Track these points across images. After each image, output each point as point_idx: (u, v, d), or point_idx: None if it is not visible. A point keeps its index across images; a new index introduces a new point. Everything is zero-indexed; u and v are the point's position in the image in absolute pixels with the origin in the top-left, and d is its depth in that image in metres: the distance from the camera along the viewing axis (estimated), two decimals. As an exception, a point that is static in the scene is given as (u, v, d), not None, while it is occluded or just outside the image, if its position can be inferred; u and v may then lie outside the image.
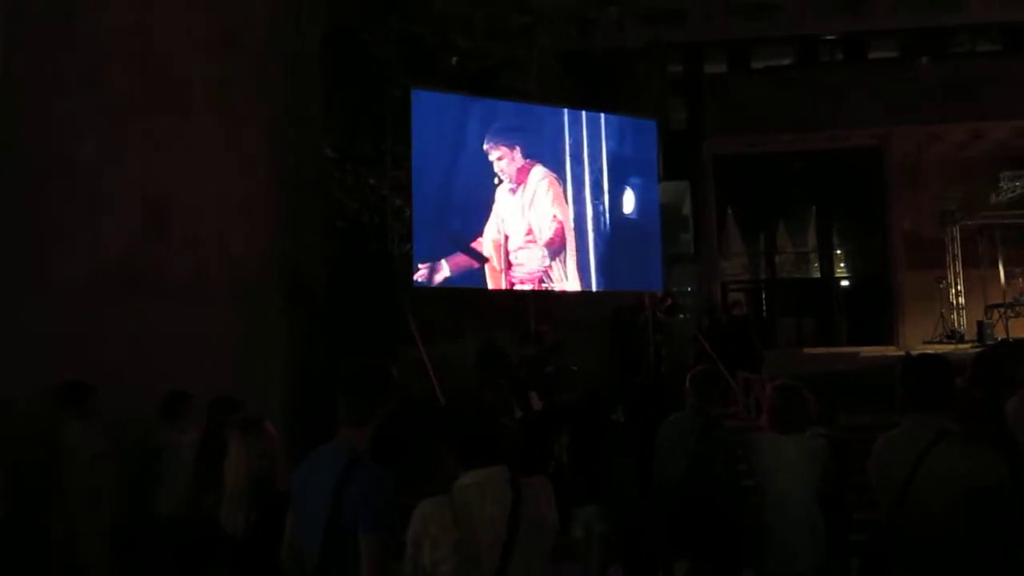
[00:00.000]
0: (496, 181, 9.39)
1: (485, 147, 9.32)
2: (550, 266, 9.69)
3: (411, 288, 8.82)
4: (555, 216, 9.72)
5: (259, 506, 2.78)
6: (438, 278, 8.98)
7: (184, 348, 6.63)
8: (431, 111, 9.16)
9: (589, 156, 10.08)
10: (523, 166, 9.60)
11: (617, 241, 10.21)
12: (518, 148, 9.55)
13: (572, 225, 9.90)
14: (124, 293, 6.24)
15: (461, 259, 9.14)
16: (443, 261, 9.01)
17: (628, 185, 10.38)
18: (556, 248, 9.74)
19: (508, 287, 9.42)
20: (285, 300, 8.39)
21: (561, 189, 9.80)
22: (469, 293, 9.52)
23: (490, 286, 9.28)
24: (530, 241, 9.61)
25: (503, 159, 9.45)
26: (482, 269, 9.21)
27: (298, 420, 7.17)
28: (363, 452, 2.58)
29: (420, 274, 8.81)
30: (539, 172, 9.71)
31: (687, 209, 14.81)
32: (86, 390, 5.21)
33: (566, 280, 9.79)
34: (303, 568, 2.52)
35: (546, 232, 9.69)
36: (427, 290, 9.03)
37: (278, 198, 8.48)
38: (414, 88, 9.00)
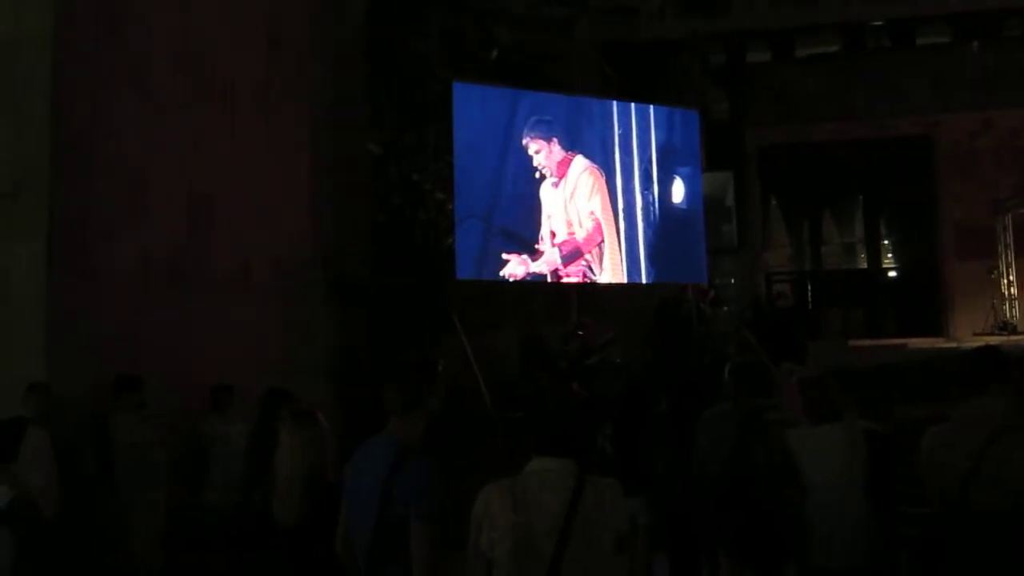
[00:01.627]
0: (538, 176, 9.41)
1: (524, 141, 9.34)
2: (591, 259, 9.69)
3: (454, 281, 8.86)
4: (592, 212, 9.71)
5: (311, 497, 2.82)
6: (486, 273, 9.02)
7: (230, 341, 6.76)
8: (473, 104, 9.19)
9: (638, 146, 10.05)
10: (563, 158, 9.61)
11: (665, 231, 10.19)
12: (555, 140, 9.56)
13: (620, 216, 9.89)
14: (170, 288, 6.37)
15: (511, 250, 9.18)
16: (493, 256, 9.07)
17: (676, 175, 10.34)
18: (595, 242, 9.73)
19: (556, 278, 9.44)
20: (329, 294, 8.48)
21: (603, 180, 9.78)
22: (513, 286, 9.55)
23: (545, 274, 9.31)
24: (572, 235, 9.62)
25: (540, 152, 9.47)
26: (531, 263, 9.25)
27: (344, 412, 7.25)
28: (413, 443, 2.62)
29: (463, 268, 8.86)
30: (580, 164, 9.70)
31: (730, 200, 14.67)
32: (135, 383, 5.32)
33: (606, 272, 9.78)
34: (355, 557, 2.57)
35: (586, 225, 9.69)
36: (471, 283, 9.07)
37: (321, 193, 8.57)
38: (455, 81, 9.03)
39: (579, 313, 9.80)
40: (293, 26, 8.27)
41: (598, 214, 9.75)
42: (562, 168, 9.61)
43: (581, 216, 9.67)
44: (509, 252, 9.18)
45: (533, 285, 9.66)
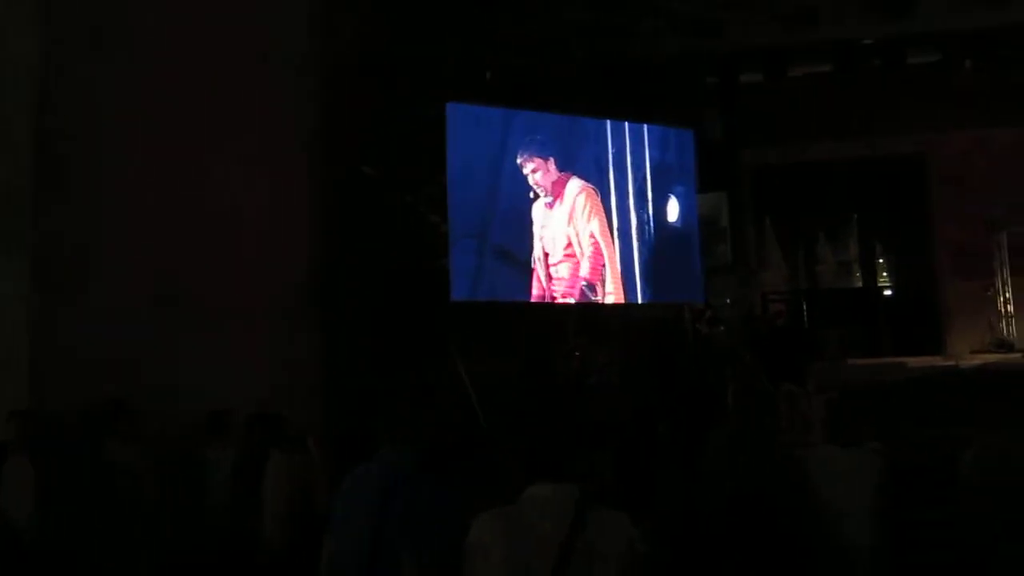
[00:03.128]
0: (532, 195, 9.34)
1: (519, 160, 9.28)
2: (590, 280, 9.60)
3: (448, 304, 8.76)
4: (592, 233, 9.64)
5: (297, 525, 2.71)
6: (480, 293, 8.93)
7: (220, 366, 6.63)
8: (467, 125, 9.15)
9: (633, 165, 10.01)
10: (559, 179, 9.56)
11: (660, 251, 10.13)
12: (552, 160, 9.51)
13: (616, 235, 9.82)
14: (159, 312, 6.26)
15: (506, 275, 9.10)
16: (487, 277, 8.99)
17: (671, 194, 10.30)
18: (595, 263, 9.66)
19: (550, 301, 9.35)
20: (321, 317, 8.36)
21: (599, 200, 9.72)
22: (508, 308, 9.45)
23: (539, 295, 9.23)
24: (569, 255, 9.54)
25: (537, 171, 9.42)
26: (526, 283, 9.16)
27: (336, 438, 7.10)
28: (406, 470, 2.50)
29: (458, 289, 8.76)
30: (576, 185, 9.65)
31: (725, 221, 14.64)
32: (127, 408, 5.20)
33: (606, 294, 9.69)
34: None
35: (586, 247, 9.62)
36: (466, 305, 8.97)
37: (314, 216, 8.48)
38: (448, 102, 8.98)
39: (576, 334, 9.70)
40: (285, 46, 8.21)
41: (597, 236, 9.68)
42: (558, 188, 9.55)
43: (581, 238, 9.60)
44: (504, 272, 9.09)
45: (530, 307, 9.56)
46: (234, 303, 7.13)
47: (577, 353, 8.98)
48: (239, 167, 7.38)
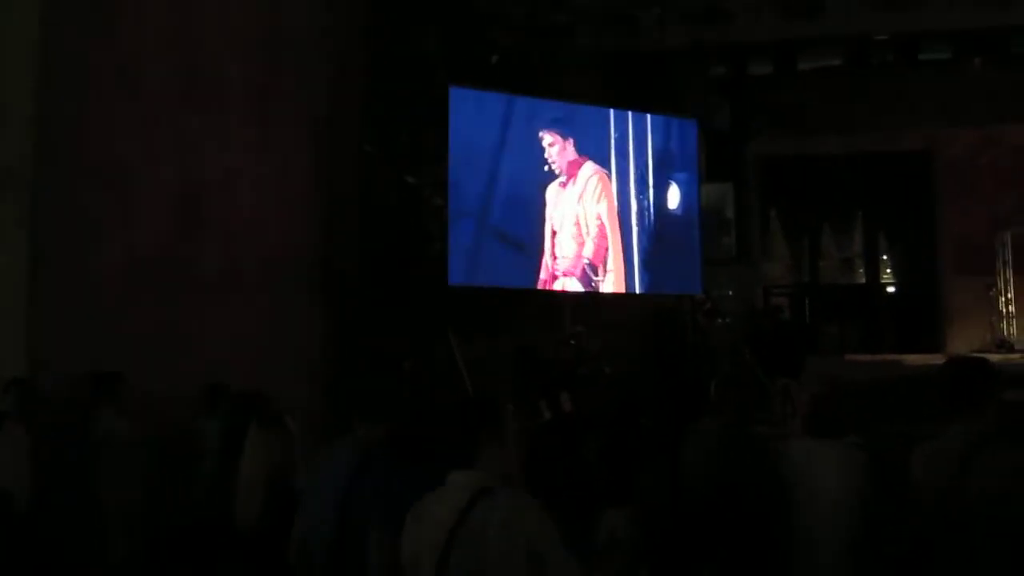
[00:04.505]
0: (546, 169, 9.41)
1: (539, 133, 9.37)
2: (593, 261, 9.66)
3: (446, 286, 8.80)
4: (599, 214, 9.70)
5: (271, 501, 2.76)
6: (479, 277, 8.98)
7: (218, 341, 6.70)
8: (470, 108, 9.16)
9: (634, 151, 10.04)
10: (575, 159, 9.63)
11: (660, 239, 10.15)
12: (571, 140, 9.59)
13: (617, 222, 9.87)
14: (160, 288, 6.32)
15: (504, 256, 9.15)
16: (485, 258, 9.04)
17: (672, 180, 10.32)
18: (599, 244, 9.72)
19: (551, 279, 9.39)
20: (319, 296, 8.41)
21: (611, 186, 9.80)
22: (506, 292, 9.49)
23: (535, 281, 9.28)
24: (576, 235, 9.61)
25: (555, 146, 9.50)
26: (524, 268, 9.21)
27: (331, 416, 7.18)
28: (377, 448, 2.55)
29: (457, 272, 8.80)
30: (590, 167, 9.72)
31: (730, 212, 14.63)
32: (117, 380, 5.28)
33: (606, 279, 9.74)
34: (311, 564, 2.49)
35: (592, 227, 9.68)
36: (463, 288, 9.01)
37: (315, 195, 8.51)
38: (452, 85, 9.00)
39: (573, 321, 9.73)
40: (290, 27, 8.23)
41: (604, 218, 9.73)
42: (572, 168, 9.63)
43: (588, 220, 9.66)
44: (503, 256, 9.14)
45: (528, 292, 9.60)
46: (234, 281, 7.19)
47: (572, 342, 9.01)
48: (242, 145, 7.42)
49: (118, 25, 6.09)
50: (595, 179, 9.74)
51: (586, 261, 9.60)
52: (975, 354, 13.30)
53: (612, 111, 10.02)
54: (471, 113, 9.12)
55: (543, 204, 9.41)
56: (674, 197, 10.31)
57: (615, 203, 9.84)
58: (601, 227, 9.74)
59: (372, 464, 2.46)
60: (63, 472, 4.99)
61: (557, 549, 2.21)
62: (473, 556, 2.16)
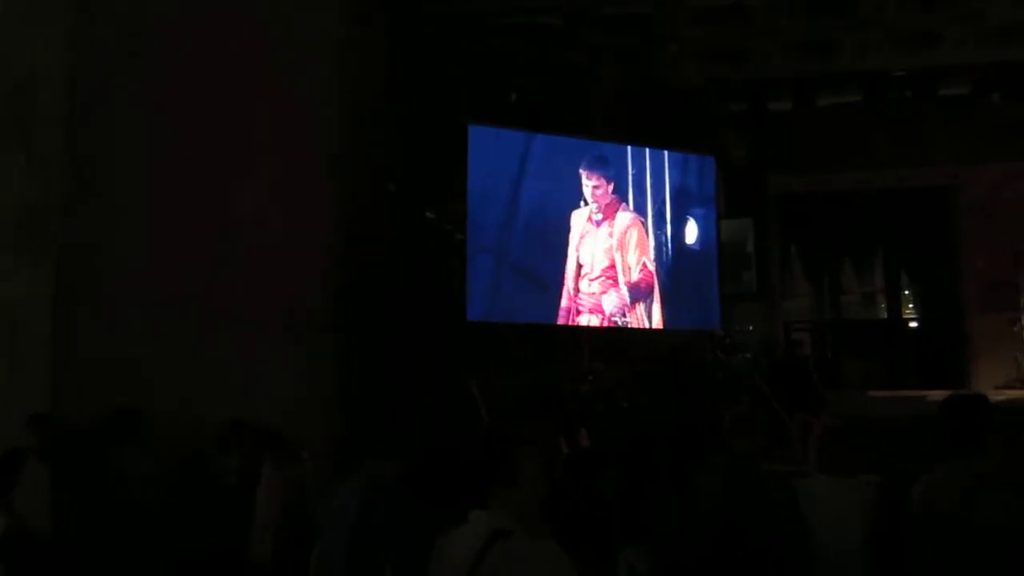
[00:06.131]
0: (582, 203, 9.51)
1: (581, 171, 9.51)
2: (631, 306, 9.73)
3: (465, 322, 8.85)
4: (645, 264, 9.82)
5: (286, 536, 2.80)
6: (498, 313, 9.04)
7: (239, 378, 6.75)
8: (489, 146, 9.29)
9: (652, 187, 10.12)
10: (611, 201, 9.75)
11: (678, 274, 10.18)
12: (613, 183, 9.73)
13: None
14: (181, 323, 6.40)
15: (523, 291, 9.22)
16: (504, 294, 9.12)
17: (690, 216, 10.38)
18: (643, 292, 9.83)
19: (574, 316, 9.45)
20: (341, 333, 8.47)
21: (647, 234, 9.93)
22: (524, 327, 9.53)
23: (554, 316, 9.33)
24: (611, 277, 9.66)
25: (599, 188, 9.62)
26: (546, 299, 9.27)
27: (346, 452, 7.19)
28: (388, 483, 2.58)
29: (476, 308, 8.86)
30: (627, 216, 9.85)
31: (750, 247, 14.60)
32: (138, 416, 5.34)
33: (641, 319, 9.82)
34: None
35: (634, 275, 9.76)
36: (482, 324, 9.06)
37: (337, 232, 8.61)
38: (470, 124, 9.13)
39: (591, 356, 9.74)
40: (314, 64, 8.38)
41: (649, 266, 9.88)
42: (610, 210, 9.74)
43: (631, 267, 9.77)
44: (522, 291, 9.21)
45: (548, 328, 9.63)
46: (254, 317, 7.26)
47: (590, 376, 9.01)
48: (263, 183, 7.53)
49: (146, 64, 6.24)
50: (635, 232, 9.86)
51: (620, 305, 9.70)
52: (999, 390, 13.17)
53: (630, 148, 10.10)
54: (490, 150, 9.25)
55: (565, 237, 9.49)
56: (692, 233, 10.35)
57: (650, 246, 10.00)
58: (646, 276, 9.90)
59: (381, 501, 2.48)
60: (83, 507, 5.05)
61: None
62: None
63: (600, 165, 9.66)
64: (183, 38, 6.71)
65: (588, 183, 9.58)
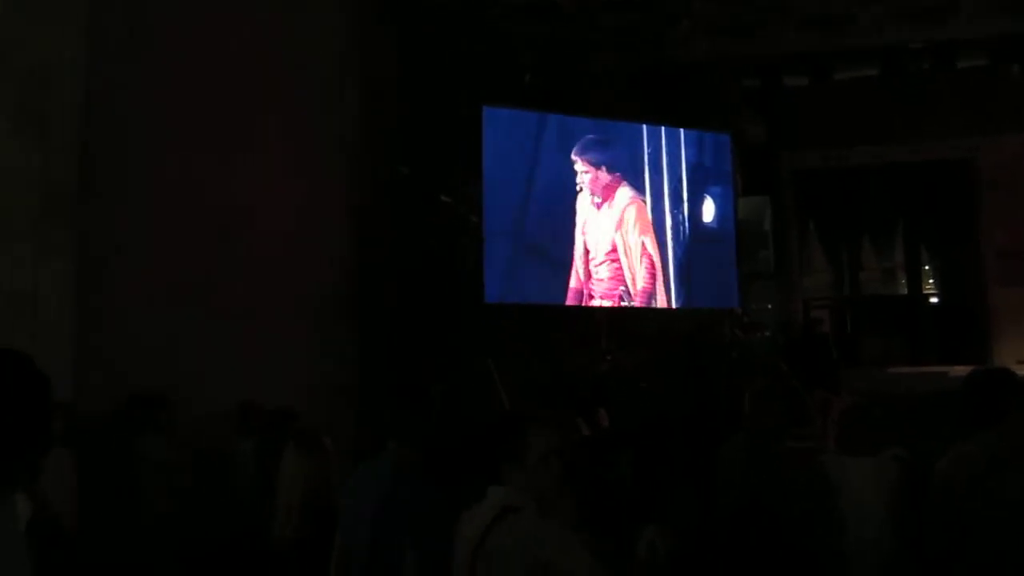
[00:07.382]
0: (578, 189, 9.45)
1: (573, 157, 9.44)
2: (635, 286, 9.67)
3: (482, 304, 8.85)
4: (644, 245, 9.73)
5: (309, 519, 2.81)
6: (514, 294, 9.03)
7: (259, 363, 6.80)
8: (503, 127, 9.26)
9: (668, 166, 10.05)
10: (609, 183, 9.66)
11: (695, 253, 10.13)
12: (604, 166, 9.63)
13: (656, 245, 9.89)
14: (197, 311, 6.43)
15: (539, 273, 9.20)
16: (520, 276, 9.09)
17: (707, 194, 10.31)
18: (648, 271, 9.75)
19: (587, 299, 9.42)
20: (357, 318, 8.51)
21: (647, 211, 9.82)
22: (542, 309, 9.52)
23: (570, 298, 9.31)
24: (613, 260, 9.60)
25: (588, 173, 9.54)
26: (560, 283, 9.24)
27: (365, 436, 7.24)
28: (410, 466, 2.59)
29: (492, 290, 8.86)
30: (626, 194, 9.74)
31: (767, 225, 14.49)
32: (158, 402, 5.38)
33: (648, 298, 9.75)
34: (350, 582, 2.54)
35: (635, 255, 9.69)
36: (499, 306, 9.06)
37: (349, 216, 8.63)
38: (484, 105, 9.09)
39: (609, 337, 9.72)
40: (325, 51, 8.38)
41: (649, 248, 9.77)
42: (608, 192, 9.66)
43: (631, 249, 9.68)
44: (538, 272, 9.19)
45: (564, 309, 9.62)
46: (271, 303, 7.30)
47: (608, 357, 8.99)
48: (280, 170, 7.55)
49: (159, 53, 6.25)
50: (633, 209, 9.76)
51: (625, 287, 9.62)
52: (1021, 364, 13.06)
53: (645, 127, 10.04)
54: (504, 132, 9.22)
55: (576, 220, 9.45)
56: (709, 211, 10.29)
57: (651, 224, 9.86)
58: (650, 258, 9.78)
59: (404, 483, 2.50)
60: (107, 494, 5.10)
61: (582, 568, 2.22)
62: (495, 573, 2.17)
63: (588, 149, 9.59)
64: (194, 26, 6.71)
65: (578, 170, 9.51)
